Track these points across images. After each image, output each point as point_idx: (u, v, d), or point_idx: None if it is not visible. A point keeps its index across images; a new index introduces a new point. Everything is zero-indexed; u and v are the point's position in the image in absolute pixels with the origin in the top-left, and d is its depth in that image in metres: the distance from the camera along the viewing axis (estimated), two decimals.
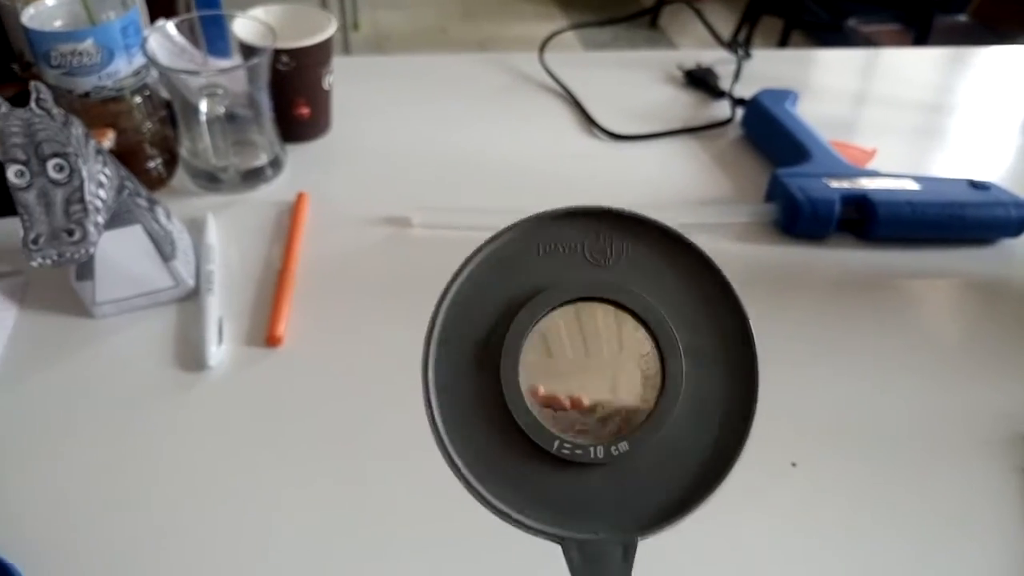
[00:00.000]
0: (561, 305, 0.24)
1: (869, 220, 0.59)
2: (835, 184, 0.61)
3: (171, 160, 0.63)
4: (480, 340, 0.24)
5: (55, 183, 0.46)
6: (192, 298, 0.53)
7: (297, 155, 0.66)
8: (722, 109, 0.76)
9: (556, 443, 0.23)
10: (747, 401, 0.24)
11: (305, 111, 0.66)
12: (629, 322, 0.24)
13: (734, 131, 0.74)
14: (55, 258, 0.46)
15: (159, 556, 0.39)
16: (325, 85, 0.66)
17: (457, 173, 0.66)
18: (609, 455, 0.23)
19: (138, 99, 0.59)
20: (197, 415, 0.46)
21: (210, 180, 0.62)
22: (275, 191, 0.63)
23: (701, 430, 0.24)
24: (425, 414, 0.24)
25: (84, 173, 0.46)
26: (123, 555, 0.39)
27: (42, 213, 0.46)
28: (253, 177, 0.62)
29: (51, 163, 0.46)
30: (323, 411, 0.46)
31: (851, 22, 1.87)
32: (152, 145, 0.61)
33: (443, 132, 0.72)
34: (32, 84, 0.47)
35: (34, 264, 0.46)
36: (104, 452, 0.44)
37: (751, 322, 0.24)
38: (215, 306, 0.51)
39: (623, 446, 0.23)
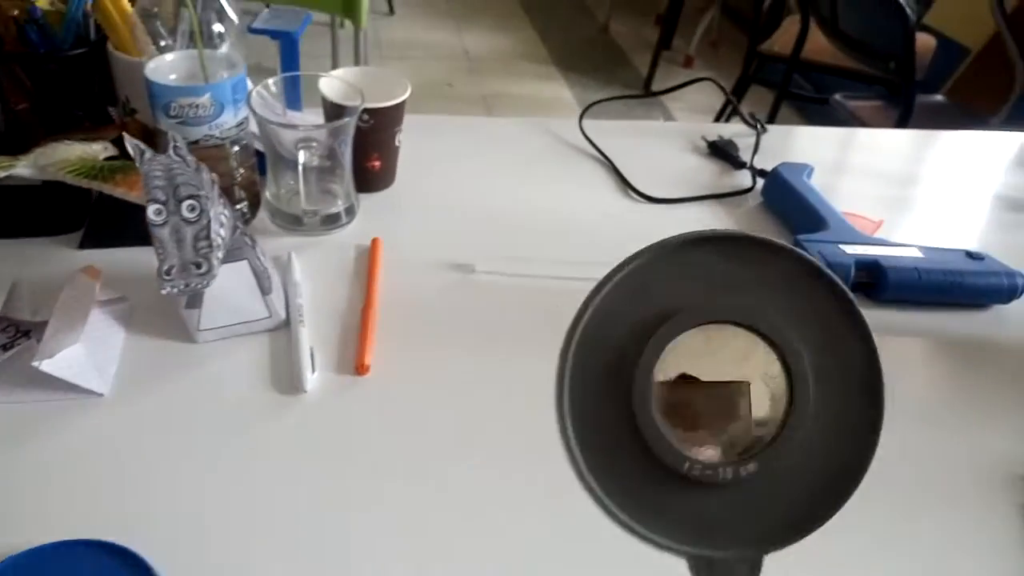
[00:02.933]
0: (692, 327, 0.25)
1: (879, 283, 0.67)
2: (849, 250, 0.68)
3: (255, 203, 0.69)
4: (611, 365, 0.25)
5: (187, 221, 0.52)
6: (282, 329, 0.59)
7: (367, 203, 0.73)
8: (743, 178, 0.85)
9: (687, 464, 0.24)
10: (873, 417, 0.25)
11: (377, 164, 0.73)
12: (758, 344, 0.25)
13: (754, 199, 0.82)
14: (183, 287, 0.52)
15: (257, 568, 0.44)
16: (396, 142, 0.73)
17: (508, 225, 0.73)
18: (737, 475, 0.24)
19: (236, 148, 0.65)
20: (295, 435, 0.52)
21: (292, 222, 0.68)
22: (348, 235, 0.69)
23: (827, 448, 0.25)
24: (559, 433, 0.25)
25: (211, 214, 0.52)
26: (224, 567, 0.44)
27: (174, 247, 0.52)
28: (330, 221, 0.69)
29: (185, 204, 0.52)
30: (411, 436, 0.52)
31: (837, 96, 2.00)
32: (241, 188, 0.67)
33: (494, 187, 0.79)
34: (170, 134, 0.53)
35: (164, 292, 0.52)
36: (212, 467, 0.49)
37: (876, 343, 0.25)
38: (307, 336, 0.57)
39: (751, 467, 0.24)
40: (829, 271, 0.26)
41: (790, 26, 2.30)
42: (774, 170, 0.81)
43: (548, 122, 0.92)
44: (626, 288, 0.26)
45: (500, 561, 0.45)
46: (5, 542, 0.42)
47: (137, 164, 0.51)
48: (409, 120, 0.75)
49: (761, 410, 0.25)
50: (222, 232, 0.54)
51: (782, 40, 2.26)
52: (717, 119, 2.43)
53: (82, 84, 0.72)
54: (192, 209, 0.52)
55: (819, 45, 2.16)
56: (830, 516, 0.25)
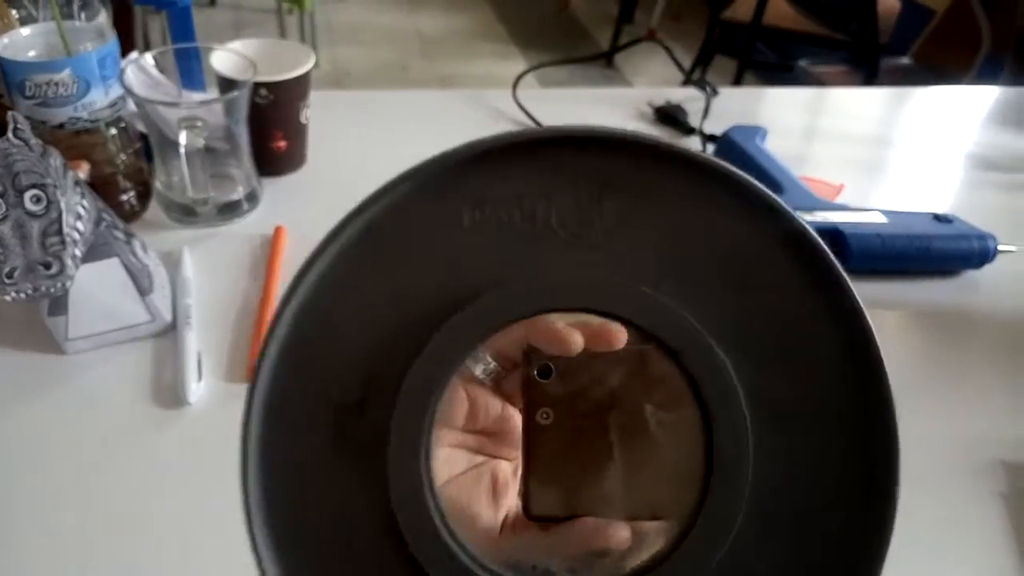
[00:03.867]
0: (503, 327, 0.14)
1: (841, 252, 0.61)
2: (808, 218, 0.62)
3: (145, 193, 0.62)
4: (346, 401, 0.14)
5: (32, 215, 0.45)
6: (169, 333, 0.52)
7: (272, 188, 0.66)
8: (692, 144, 0.78)
9: None
10: (879, 515, 0.13)
11: (282, 144, 0.65)
12: (648, 356, 0.14)
13: None
14: (30, 292, 0.45)
15: None
16: (302, 119, 0.66)
17: None
18: None
19: (113, 131, 0.57)
20: (177, 452, 0.45)
21: (185, 213, 0.61)
22: (250, 224, 0.62)
23: (793, 539, 0.13)
24: (244, 522, 0.15)
25: (62, 205, 0.45)
26: None
27: (17, 245, 0.45)
28: (229, 211, 0.61)
29: (28, 194, 0.44)
30: None
31: (802, 63, 1.94)
32: (126, 178, 0.60)
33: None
34: (10, 114, 0.46)
35: (7, 298, 0.44)
36: (81, 490, 0.42)
37: (877, 339, 0.14)
38: (194, 341, 0.50)
39: None
40: (777, 199, 0.15)
41: None
42: (724, 134, 0.74)
43: (481, 94, 0.84)
44: (372, 250, 0.14)
45: None
46: None
47: None
48: (320, 97, 0.68)
49: (656, 487, 0.14)
50: (79, 226, 0.47)
51: (743, 7, 2.20)
52: None
53: None
54: (37, 200, 0.45)
55: (781, 11, 2.11)
56: None
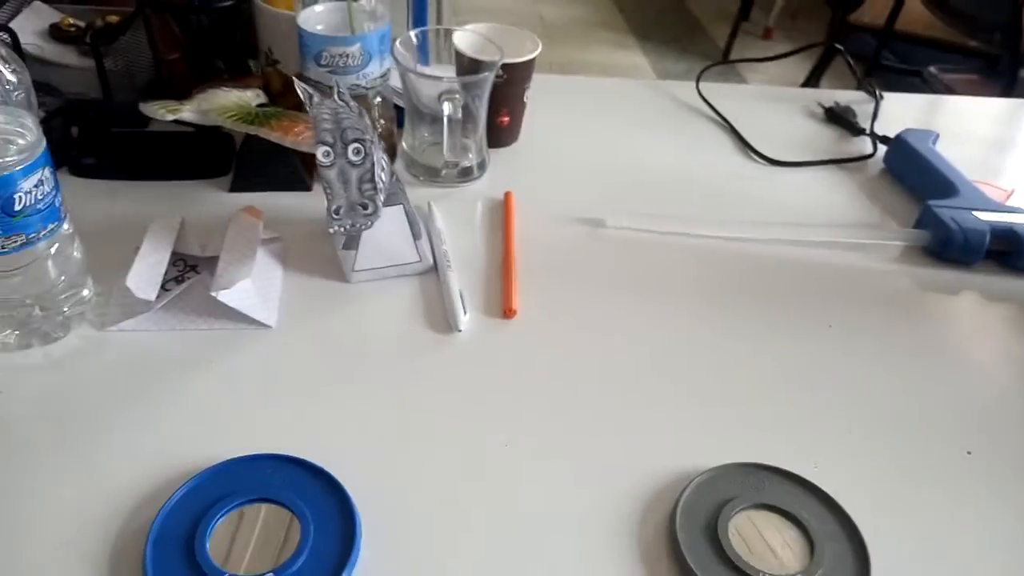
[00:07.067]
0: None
1: (1016, 251, 0.66)
2: (984, 217, 0.68)
3: (392, 153, 0.71)
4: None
5: (352, 164, 0.54)
6: (429, 274, 0.61)
7: (493, 158, 0.75)
8: (861, 145, 0.84)
9: None
10: None
11: (505, 119, 0.74)
12: None
13: (875, 165, 0.81)
14: (348, 226, 0.55)
15: (423, 481, 0.47)
16: (525, 98, 0.75)
17: (631, 182, 0.74)
18: None
19: (378, 99, 0.67)
20: (452, 370, 0.54)
21: (428, 173, 0.70)
22: (479, 188, 0.71)
23: None
24: None
25: (375, 157, 0.55)
26: (383, 489, 0.47)
27: (341, 188, 0.55)
28: (464, 174, 0.71)
29: (351, 147, 0.54)
30: (559, 374, 0.54)
31: (931, 69, 1.94)
32: (381, 139, 0.69)
33: (614, 145, 0.80)
34: (334, 80, 0.56)
35: (331, 230, 0.55)
36: (377, 395, 0.51)
37: None
38: (456, 280, 0.59)
39: None
40: None
41: None
42: (898, 136, 0.80)
43: (661, 84, 0.92)
44: None
45: (640, 486, 0.47)
46: (200, 453, 0.45)
47: (307, 108, 0.54)
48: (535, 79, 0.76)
49: None
50: (383, 176, 0.56)
51: (873, 10, 2.20)
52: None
53: (226, 36, 0.75)
54: (357, 152, 0.54)
55: (911, 16, 2.10)
56: None
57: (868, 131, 0.84)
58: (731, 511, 0.44)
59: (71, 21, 0.73)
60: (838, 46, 0.97)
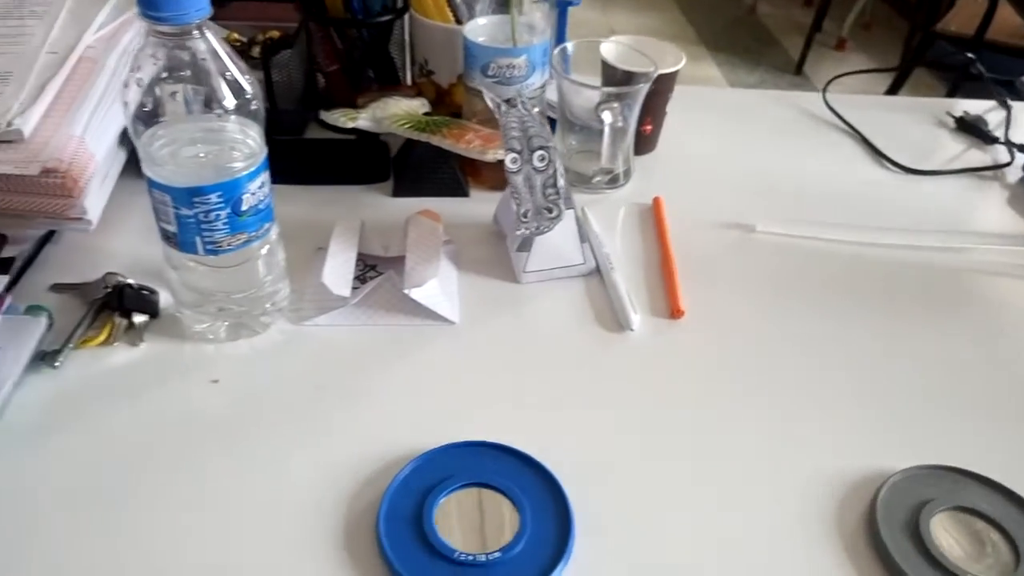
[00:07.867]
0: None
1: None
2: None
3: None
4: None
5: (536, 170, 0.57)
6: (592, 275, 0.64)
7: (637, 164, 0.77)
8: (997, 153, 0.84)
9: None
10: None
11: (648, 128, 0.77)
12: None
13: (1014, 174, 0.81)
14: (535, 229, 0.58)
15: (616, 465, 0.49)
16: (667, 108, 0.77)
17: (773, 189, 0.76)
18: None
19: (536, 109, 0.70)
20: (627, 369, 0.56)
21: (578, 180, 0.73)
22: (625, 195, 0.74)
23: None
24: None
25: (557, 164, 0.57)
26: (588, 481, 0.49)
27: (527, 193, 0.57)
28: (613, 181, 0.73)
29: (536, 154, 0.57)
30: (730, 375, 0.56)
31: None
32: None
33: (748, 153, 0.81)
34: (516, 90, 0.58)
35: (519, 232, 0.58)
36: (560, 388, 0.54)
37: None
38: (622, 281, 0.62)
39: None
40: None
41: (965, 5, 2.20)
42: None
43: (787, 94, 0.93)
44: None
45: (834, 483, 0.48)
46: (409, 438, 0.48)
47: (496, 116, 0.57)
48: None
49: None
50: (562, 182, 0.59)
51: (959, 19, 2.17)
52: None
53: (381, 47, 0.79)
54: (542, 159, 0.57)
55: (997, 25, 2.07)
56: None
57: (1003, 139, 0.84)
58: (933, 510, 0.45)
59: (236, 36, 0.78)
60: (971, 55, 0.98)
